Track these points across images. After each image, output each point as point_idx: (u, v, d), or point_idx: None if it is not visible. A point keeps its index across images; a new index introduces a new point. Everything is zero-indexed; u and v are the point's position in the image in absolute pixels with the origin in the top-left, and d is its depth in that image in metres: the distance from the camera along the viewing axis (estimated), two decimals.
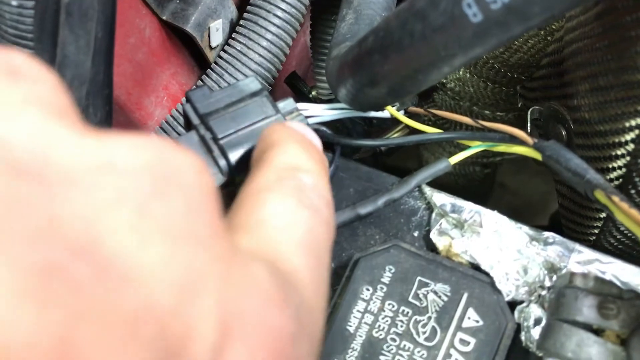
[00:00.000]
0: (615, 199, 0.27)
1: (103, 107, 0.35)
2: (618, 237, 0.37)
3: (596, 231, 0.38)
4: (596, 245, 0.40)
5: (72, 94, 0.32)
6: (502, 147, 0.35)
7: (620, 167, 0.33)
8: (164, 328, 0.14)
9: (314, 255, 0.21)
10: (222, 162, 0.32)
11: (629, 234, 0.36)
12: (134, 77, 0.51)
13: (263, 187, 0.23)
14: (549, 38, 0.42)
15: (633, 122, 0.31)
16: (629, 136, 0.31)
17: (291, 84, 0.63)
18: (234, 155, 0.32)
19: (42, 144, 0.14)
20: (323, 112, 0.38)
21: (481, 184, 0.73)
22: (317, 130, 0.38)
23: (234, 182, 0.33)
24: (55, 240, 0.12)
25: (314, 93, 0.62)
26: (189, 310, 0.14)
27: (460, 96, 0.55)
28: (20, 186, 0.13)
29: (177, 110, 0.50)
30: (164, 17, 0.50)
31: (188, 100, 0.35)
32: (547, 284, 0.30)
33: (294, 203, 0.22)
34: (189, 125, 0.35)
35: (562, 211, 0.41)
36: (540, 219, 0.79)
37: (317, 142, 0.27)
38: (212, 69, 0.49)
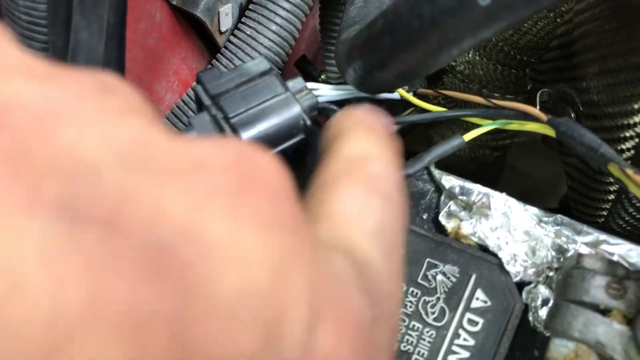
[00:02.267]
0: (629, 171, 0.27)
1: None
2: (626, 218, 0.37)
3: (605, 213, 0.38)
4: (605, 227, 0.40)
5: None
6: (516, 125, 0.35)
7: (629, 149, 0.33)
8: (262, 306, 0.15)
9: (387, 243, 0.22)
10: None
11: (637, 215, 0.36)
12: (145, 62, 0.51)
13: (333, 178, 0.23)
14: (558, 20, 0.41)
15: None
16: (638, 118, 0.31)
17: (300, 67, 0.64)
18: (246, 134, 0.33)
19: (145, 143, 0.15)
20: (332, 92, 0.38)
21: (492, 167, 0.73)
22: (326, 109, 0.38)
23: None
24: (166, 226, 0.14)
25: (323, 77, 0.62)
26: (284, 290, 0.16)
27: (470, 79, 0.55)
28: (132, 179, 0.14)
29: (187, 94, 0.51)
30: (174, 2, 0.50)
31: (199, 81, 0.36)
32: (555, 265, 0.30)
33: (365, 192, 0.22)
34: (200, 106, 0.36)
35: (571, 193, 0.41)
36: (550, 202, 0.79)
37: (386, 126, 0.27)
38: (222, 54, 0.50)
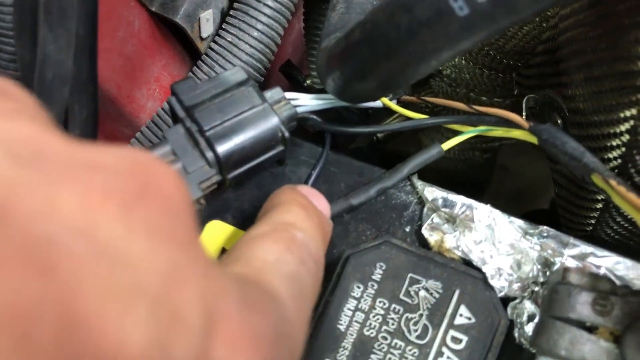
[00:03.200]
0: (613, 182, 0.26)
1: (88, 105, 0.35)
2: (615, 227, 0.36)
3: (593, 221, 0.37)
4: (593, 236, 0.39)
5: (54, 94, 0.31)
6: (498, 132, 0.34)
7: (615, 158, 0.32)
8: (155, 307, 0.15)
9: (297, 290, 0.23)
10: (210, 155, 0.32)
11: (625, 225, 0.36)
12: (124, 70, 0.50)
13: (258, 235, 0.26)
14: (544, 25, 0.41)
15: (627, 113, 0.30)
16: (624, 127, 0.30)
17: (286, 72, 0.63)
18: (222, 147, 0.32)
19: (38, 142, 0.15)
20: (312, 102, 0.38)
21: (482, 168, 0.73)
22: (307, 119, 0.37)
23: (224, 181, 0.33)
24: (56, 221, 0.14)
25: (308, 82, 0.61)
26: (177, 296, 0.16)
27: (457, 83, 0.54)
28: (22, 173, 0.14)
29: (168, 102, 0.50)
30: (153, 9, 0.49)
31: (173, 92, 0.35)
32: (541, 279, 0.30)
33: (284, 248, 0.25)
34: (175, 118, 0.35)
35: (559, 201, 0.40)
36: (542, 202, 0.78)
37: (324, 206, 0.30)
38: (202, 61, 0.49)
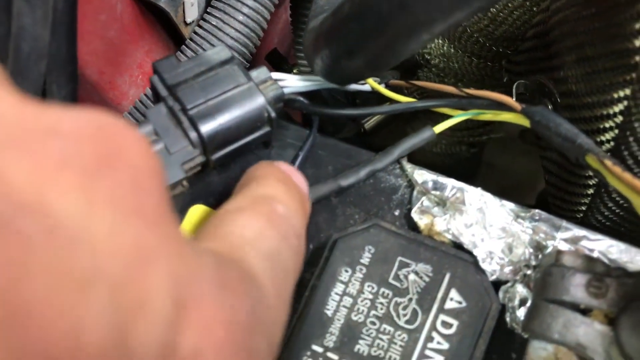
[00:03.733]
0: (608, 162, 0.26)
1: (67, 85, 0.34)
2: (606, 213, 0.36)
3: (584, 208, 0.37)
4: (584, 222, 0.38)
5: (30, 69, 0.30)
6: (489, 115, 0.33)
7: (608, 141, 0.31)
8: (115, 294, 0.13)
9: (277, 269, 0.22)
10: (193, 134, 0.31)
11: (616, 210, 0.35)
12: (106, 55, 0.49)
13: (235, 209, 0.24)
14: (534, 9, 0.40)
15: (622, 93, 0.29)
16: (617, 108, 0.30)
17: (272, 60, 0.62)
18: (205, 127, 0.31)
19: None
20: (299, 83, 0.37)
21: (468, 163, 0.72)
22: (294, 100, 0.36)
23: (208, 163, 0.32)
24: (5, 197, 0.12)
25: (295, 71, 0.60)
26: (141, 280, 0.14)
27: (445, 72, 0.53)
28: None
29: (150, 81, 0.48)
30: None
31: (155, 71, 0.34)
32: (533, 262, 0.29)
33: (265, 222, 0.23)
34: (157, 97, 0.33)
35: (550, 188, 0.40)
36: (528, 198, 0.78)
37: (302, 184, 0.28)
38: (186, 45, 0.47)
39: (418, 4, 0.24)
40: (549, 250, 0.29)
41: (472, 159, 0.71)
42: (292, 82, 0.36)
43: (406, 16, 0.25)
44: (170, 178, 0.30)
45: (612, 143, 0.31)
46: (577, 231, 0.29)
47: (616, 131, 0.31)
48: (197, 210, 0.34)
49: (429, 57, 0.52)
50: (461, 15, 0.24)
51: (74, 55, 0.34)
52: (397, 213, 0.32)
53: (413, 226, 0.31)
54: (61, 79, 0.33)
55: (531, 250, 0.29)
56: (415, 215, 0.31)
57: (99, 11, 0.47)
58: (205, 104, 0.31)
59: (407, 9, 0.24)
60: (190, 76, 0.32)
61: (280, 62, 0.60)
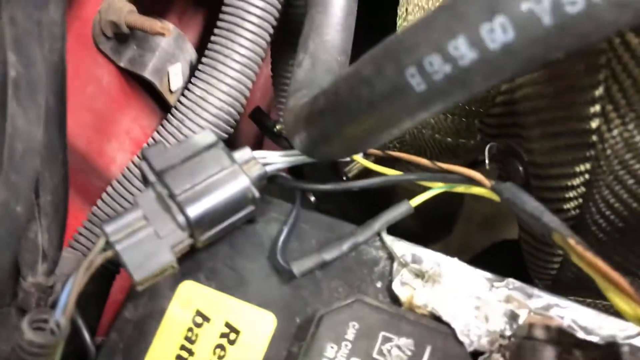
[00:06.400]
0: (571, 242, 0.27)
1: (59, 172, 0.35)
2: (576, 272, 0.37)
3: (557, 266, 0.39)
4: (559, 278, 0.40)
5: (25, 165, 0.31)
6: (462, 188, 0.35)
7: (574, 208, 0.33)
8: None
9: None
10: (181, 218, 0.32)
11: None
12: (94, 125, 0.50)
13: None
14: None
15: (582, 167, 0.31)
16: (579, 180, 0.32)
17: (255, 119, 0.63)
18: (193, 211, 0.32)
19: None
20: (281, 159, 0.38)
21: (453, 199, 0.74)
22: (276, 177, 0.38)
23: (196, 243, 0.33)
24: None
25: (278, 127, 0.62)
26: None
27: (423, 125, 0.55)
28: None
29: (138, 168, 0.50)
30: (122, 64, 0.50)
31: (144, 157, 0.35)
32: (508, 332, 0.30)
33: None
34: (146, 183, 0.35)
35: (524, 245, 0.42)
36: (513, 228, 0.80)
37: None
38: (172, 114, 0.49)
39: (385, 106, 0.25)
40: (522, 320, 0.30)
41: (457, 195, 0.73)
42: (274, 159, 0.37)
43: (375, 115, 0.26)
44: (160, 262, 0.32)
45: (577, 211, 0.33)
46: (549, 299, 0.31)
47: (580, 200, 0.33)
48: (187, 287, 0.35)
49: None
50: (427, 115, 0.26)
51: (64, 142, 0.35)
52: (379, 285, 0.34)
53: (395, 298, 0.33)
54: (53, 166, 0.35)
55: (506, 319, 0.31)
56: (396, 287, 0.33)
57: (86, 84, 0.48)
58: (192, 189, 0.33)
59: (375, 109, 0.26)
60: (177, 162, 0.34)
61: (263, 120, 0.62)
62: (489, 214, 0.97)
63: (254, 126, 0.65)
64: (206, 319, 0.34)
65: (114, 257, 0.32)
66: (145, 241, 0.32)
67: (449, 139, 0.56)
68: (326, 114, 0.29)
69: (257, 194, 0.34)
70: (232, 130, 0.50)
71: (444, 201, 0.69)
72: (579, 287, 0.35)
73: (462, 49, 0.22)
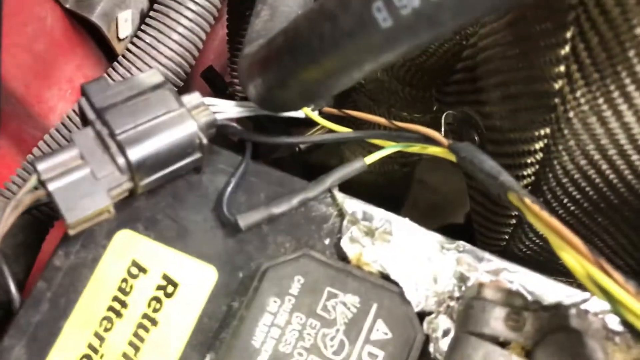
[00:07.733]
0: (527, 201, 0.27)
1: None
2: (527, 243, 0.37)
3: (506, 237, 0.38)
4: (506, 251, 0.40)
5: None
6: (417, 148, 0.34)
7: (530, 175, 0.33)
8: None
9: None
10: (121, 160, 0.30)
11: (536, 240, 0.37)
12: (33, 68, 0.47)
13: None
14: (463, 43, 0.42)
15: (542, 132, 0.31)
16: (538, 145, 0.31)
17: (207, 78, 0.61)
18: (134, 152, 0.30)
19: None
20: (233, 109, 0.36)
21: (400, 182, 0.74)
22: (227, 126, 0.36)
23: (136, 189, 0.31)
24: None
25: (230, 89, 0.60)
26: None
27: (378, 97, 0.55)
28: None
29: (78, 104, 0.47)
30: (67, 5, 0.47)
31: (84, 93, 0.33)
32: (457, 294, 0.30)
33: None
34: (85, 121, 0.33)
35: (474, 216, 0.41)
36: (457, 216, 0.80)
37: None
38: (119, 62, 0.46)
39: (348, 44, 0.24)
40: (471, 282, 0.30)
41: (404, 177, 0.73)
42: (225, 108, 0.36)
43: (337, 54, 0.25)
44: (96, 204, 0.30)
45: (532, 178, 0.33)
46: (499, 263, 0.30)
47: (537, 166, 0.32)
48: (123, 236, 0.33)
49: (363, 82, 0.53)
50: (390, 56, 0.24)
51: None
52: (327, 242, 0.32)
53: (343, 255, 0.32)
54: None
55: (455, 281, 0.30)
56: (344, 244, 0.31)
57: (27, 23, 0.45)
58: (134, 129, 0.31)
59: (338, 48, 0.25)
60: (120, 100, 0.32)
61: (215, 80, 0.59)
62: (434, 202, 0.98)
63: (205, 87, 0.62)
64: (142, 270, 0.32)
65: (46, 197, 0.30)
66: (80, 182, 0.30)
67: (404, 113, 0.55)
68: (284, 55, 0.28)
69: (205, 140, 0.32)
70: (181, 83, 0.48)
71: (388, 186, 0.69)
72: (525, 261, 0.34)
73: None
